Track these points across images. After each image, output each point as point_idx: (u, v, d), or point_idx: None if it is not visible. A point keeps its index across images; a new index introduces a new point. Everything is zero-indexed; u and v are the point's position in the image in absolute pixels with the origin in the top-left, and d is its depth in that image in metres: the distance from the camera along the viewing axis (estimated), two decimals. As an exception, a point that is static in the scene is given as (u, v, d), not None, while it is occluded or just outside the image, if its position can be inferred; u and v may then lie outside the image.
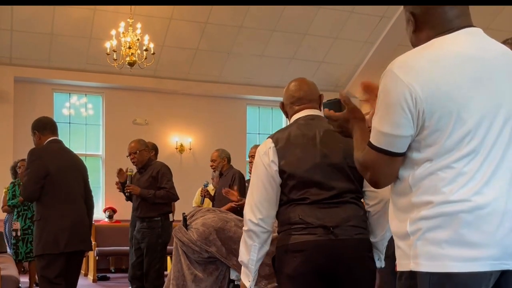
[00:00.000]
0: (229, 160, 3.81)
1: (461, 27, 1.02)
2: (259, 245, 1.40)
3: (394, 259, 1.82)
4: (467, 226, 0.95)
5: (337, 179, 1.40)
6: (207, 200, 4.16)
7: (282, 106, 1.59)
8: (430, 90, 0.96)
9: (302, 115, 1.51)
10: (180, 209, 4.63)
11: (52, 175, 2.59)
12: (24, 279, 4.46)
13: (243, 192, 3.42)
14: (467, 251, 0.95)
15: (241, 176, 3.68)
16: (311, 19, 6.52)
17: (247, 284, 1.45)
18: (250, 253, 1.41)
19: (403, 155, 1.03)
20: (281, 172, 1.39)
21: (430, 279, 0.96)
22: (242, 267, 1.47)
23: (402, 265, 1.04)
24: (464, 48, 1.00)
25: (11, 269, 3.47)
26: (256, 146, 3.70)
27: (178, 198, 3.58)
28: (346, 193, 1.42)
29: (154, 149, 3.87)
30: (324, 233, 1.34)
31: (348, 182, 1.42)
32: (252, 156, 3.46)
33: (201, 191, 3.86)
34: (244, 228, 1.43)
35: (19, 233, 4.19)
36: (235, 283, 2.23)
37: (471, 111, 0.97)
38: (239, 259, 1.47)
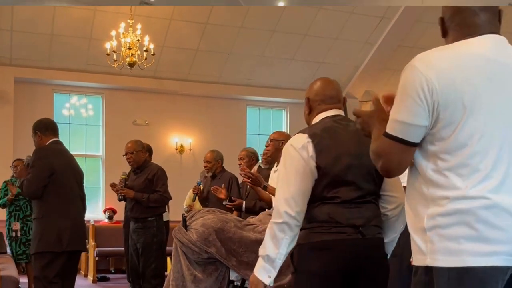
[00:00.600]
0: (222, 161, 3.83)
1: (485, 33, 1.05)
2: (290, 239, 1.37)
3: (402, 259, 1.83)
4: (484, 223, 0.97)
5: (366, 181, 1.42)
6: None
7: (308, 101, 1.56)
8: (446, 83, 1.00)
9: (330, 114, 1.50)
10: (178, 210, 4.67)
11: (57, 174, 2.62)
12: (24, 280, 4.37)
13: (238, 195, 3.43)
14: (485, 246, 0.97)
15: (237, 180, 3.70)
16: (311, 20, 6.45)
17: (266, 280, 1.38)
18: (280, 247, 1.36)
19: (415, 145, 1.05)
20: (317, 168, 1.39)
21: (448, 274, 0.98)
22: (262, 262, 1.39)
23: (418, 260, 1.05)
24: (485, 50, 1.04)
25: (11, 270, 3.45)
26: (246, 149, 3.62)
27: (171, 198, 3.65)
28: (370, 194, 1.44)
29: (149, 150, 3.91)
30: (353, 232, 1.37)
31: (373, 184, 1.44)
32: (241, 158, 3.44)
33: (194, 188, 3.83)
34: (277, 220, 1.37)
35: (18, 234, 4.20)
36: (235, 283, 2.25)
37: (482, 109, 1.00)
38: (263, 254, 1.39)
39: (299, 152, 1.39)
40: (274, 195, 2.66)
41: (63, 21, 5.92)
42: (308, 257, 1.40)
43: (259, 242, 2.07)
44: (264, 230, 2.14)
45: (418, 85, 1.01)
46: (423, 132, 1.03)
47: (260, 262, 1.40)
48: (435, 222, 1.00)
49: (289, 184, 1.40)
